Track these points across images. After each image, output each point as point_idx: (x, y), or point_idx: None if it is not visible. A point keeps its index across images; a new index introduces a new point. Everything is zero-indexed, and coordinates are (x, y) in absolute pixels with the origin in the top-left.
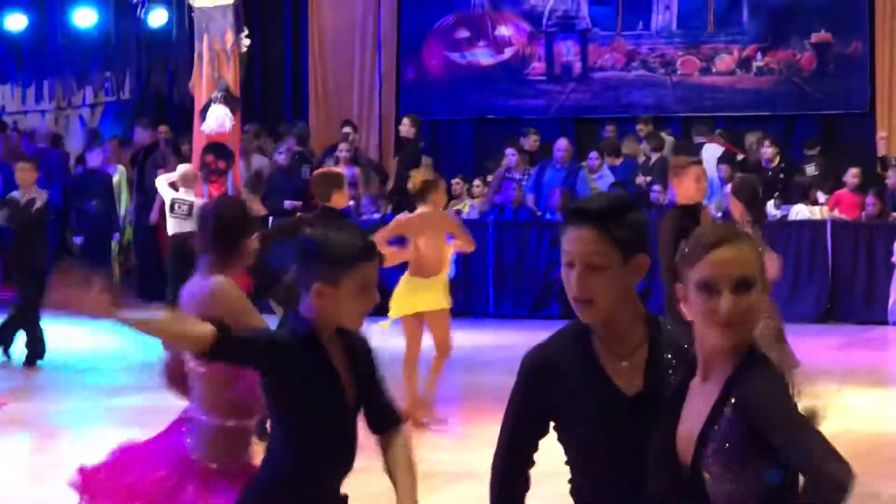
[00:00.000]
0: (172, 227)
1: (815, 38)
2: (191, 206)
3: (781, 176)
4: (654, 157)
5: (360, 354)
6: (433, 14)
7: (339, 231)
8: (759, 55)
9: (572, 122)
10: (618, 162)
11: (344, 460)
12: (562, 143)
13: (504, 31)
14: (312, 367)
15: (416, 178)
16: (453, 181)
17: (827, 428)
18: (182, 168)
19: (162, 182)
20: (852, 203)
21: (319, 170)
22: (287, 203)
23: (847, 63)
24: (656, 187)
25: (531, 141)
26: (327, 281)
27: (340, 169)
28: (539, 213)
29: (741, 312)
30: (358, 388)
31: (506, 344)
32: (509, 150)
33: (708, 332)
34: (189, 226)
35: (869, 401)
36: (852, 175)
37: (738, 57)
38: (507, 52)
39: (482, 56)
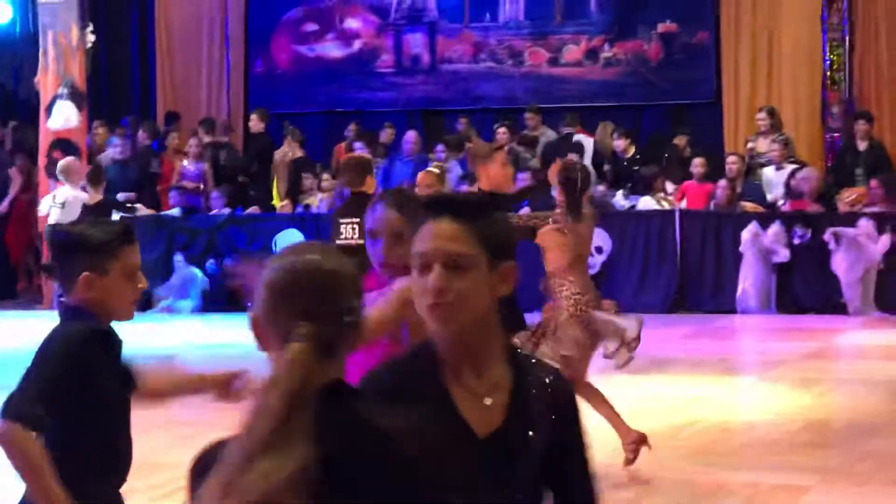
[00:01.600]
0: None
1: (661, 28)
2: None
3: (636, 168)
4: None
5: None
6: (281, 7)
7: (92, 223)
8: (606, 46)
9: (421, 115)
10: (461, 155)
11: (126, 459)
12: (410, 136)
13: (352, 23)
14: (110, 361)
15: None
16: (303, 175)
17: (676, 418)
18: (64, 162)
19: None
20: (699, 193)
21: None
22: (121, 195)
23: (693, 53)
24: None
25: (386, 134)
26: (95, 270)
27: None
28: None
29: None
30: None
31: None
32: (357, 144)
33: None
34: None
35: (717, 390)
36: (698, 165)
37: (585, 48)
38: (356, 45)
39: (331, 49)
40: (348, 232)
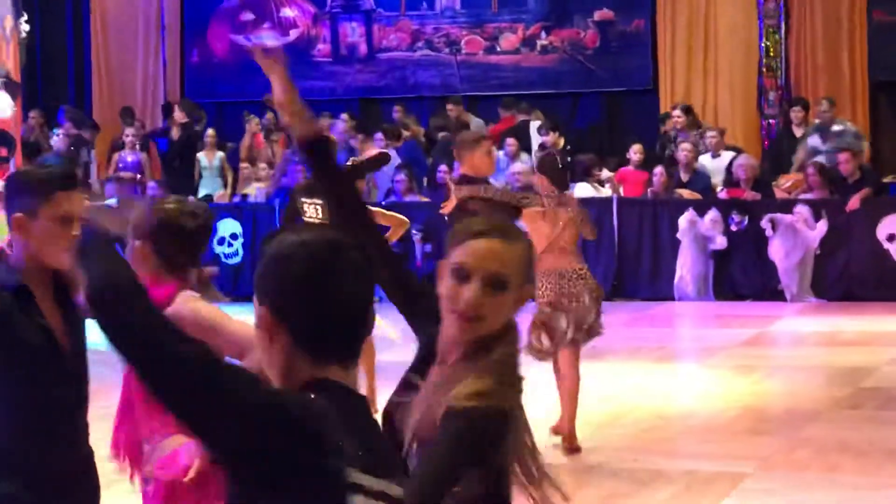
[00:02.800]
0: None
1: (597, 15)
2: None
3: (569, 159)
4: (440, 135)
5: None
6: None
7: (39, 165)
8: (543, 34)
9: (358, 104)
10: (399, 144)
11: (72, 417)
12: (341, 125)
13: (288, 12)
14: (23, 321)
15: None
16: (241, 165)
17: (614, 406)
18: None
19: None
20: (636, 180)
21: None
22: None
23: (629, 41)
24: (442, 167)
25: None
26: (25, 212)
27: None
28: None
29: (482, 307)
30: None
31: None
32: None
33: (447, 318)
34: None
35: (655, 378)
36: (635, 152)
37: (522, 36)
38: (293, 34)
39: (267, 38)
40: (312, 211)
